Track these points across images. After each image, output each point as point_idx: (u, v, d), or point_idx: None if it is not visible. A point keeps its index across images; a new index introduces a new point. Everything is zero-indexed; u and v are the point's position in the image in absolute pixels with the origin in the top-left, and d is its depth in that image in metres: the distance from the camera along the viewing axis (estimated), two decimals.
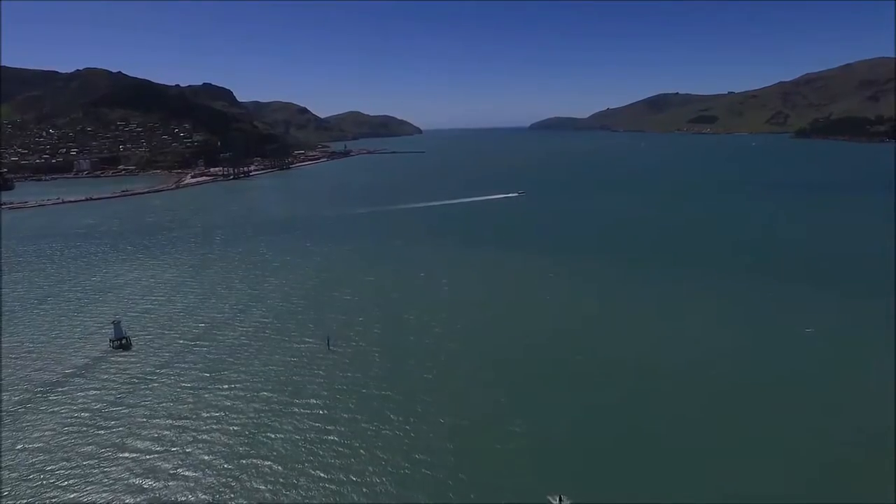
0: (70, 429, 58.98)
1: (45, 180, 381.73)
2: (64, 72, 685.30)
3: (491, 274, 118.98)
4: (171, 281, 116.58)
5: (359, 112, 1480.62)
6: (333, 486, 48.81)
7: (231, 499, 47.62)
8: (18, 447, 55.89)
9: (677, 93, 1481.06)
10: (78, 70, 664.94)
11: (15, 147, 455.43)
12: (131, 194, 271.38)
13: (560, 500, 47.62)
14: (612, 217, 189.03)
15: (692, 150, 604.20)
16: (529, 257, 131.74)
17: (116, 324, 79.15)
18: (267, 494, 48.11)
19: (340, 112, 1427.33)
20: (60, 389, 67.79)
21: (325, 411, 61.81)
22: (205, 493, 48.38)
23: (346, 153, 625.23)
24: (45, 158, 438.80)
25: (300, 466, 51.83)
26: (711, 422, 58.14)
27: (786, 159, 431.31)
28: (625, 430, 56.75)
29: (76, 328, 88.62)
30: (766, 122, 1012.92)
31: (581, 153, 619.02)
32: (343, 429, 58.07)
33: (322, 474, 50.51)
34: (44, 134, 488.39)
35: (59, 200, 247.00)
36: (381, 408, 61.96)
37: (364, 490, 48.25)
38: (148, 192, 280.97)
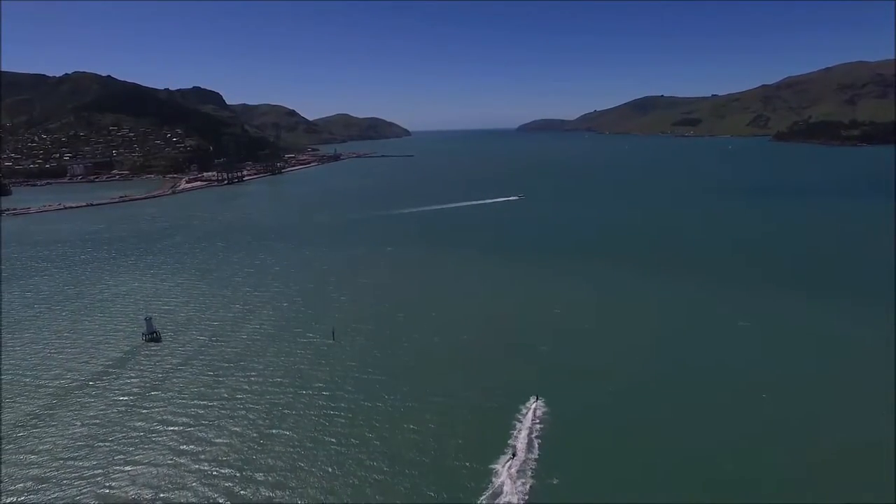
0: (119, 408, 69.74)
1: (40, 185, 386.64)
2: (52, 75, 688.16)
3: (497, 276, 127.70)
4: (183, 284, 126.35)
5: (347, 114, 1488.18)
6: (338, 453, 59.19)
7: (255, 466, 57.54)
8: (75, 425, 66.31)
9: (662, 95, 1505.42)
10: (67, 74, 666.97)
11: (8, 152, 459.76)
12: (130, 200, 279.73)
13: (537, 398, 64.48)
14: (610, 220, 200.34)
15: (673, 153, 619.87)
16: (531, 259, 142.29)
17: (148, 320, 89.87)
18: (285, 459, 58.42)
19: (329, 114, 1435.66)
20: (106, 376, 78.49)
21: (332, 392, 72.81)
22: (235, 460, 58.61)
23: (336, 157, 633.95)
24: (38, 163, 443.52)
25: (311, 437, 62.45)
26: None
27: (755, 164, 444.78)
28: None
29: (106, 325, 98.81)
30: (748, 124, 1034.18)
31: (572, 155, 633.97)
32: (346, 406, 69.11)
33: (329, 443, 61.13)
34: (36, 139, 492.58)
35: (61, 206, 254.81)
36: (379, 388, 73.14)
37: (362, 454, 58.77)
38: (146, 198, 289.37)
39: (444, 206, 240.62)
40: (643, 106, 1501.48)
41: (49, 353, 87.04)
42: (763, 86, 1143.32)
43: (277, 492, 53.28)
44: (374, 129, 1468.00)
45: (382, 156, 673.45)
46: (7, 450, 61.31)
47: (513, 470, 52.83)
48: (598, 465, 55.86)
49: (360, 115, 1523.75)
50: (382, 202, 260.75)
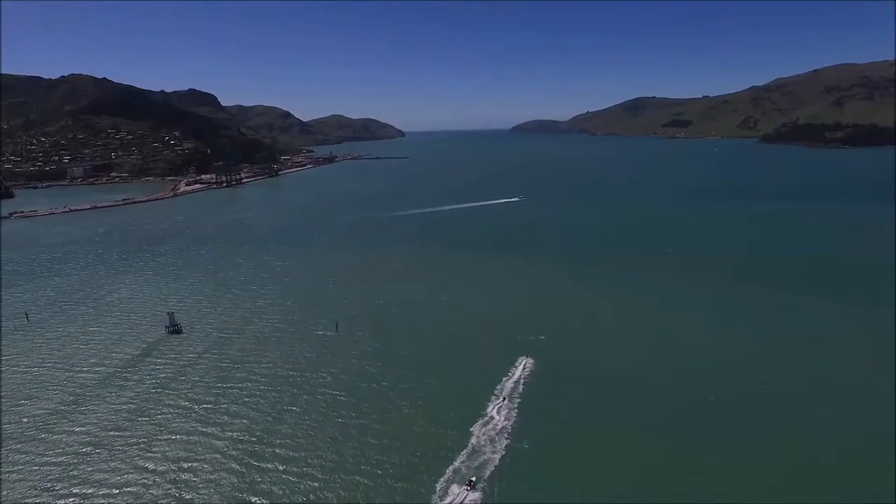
0: (152, 390, 79.83)
1: (41, 188, 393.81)
2: (48, 77, 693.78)
3: (496, 275, 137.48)
4: (193, 283, 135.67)
5: (341, 115, 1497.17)
6: (341, 427, 69.14)
7: (272, 437, 67.39)
8: (117, 404, 76.27)
9: (654, 97, 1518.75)
10: (63, 76, 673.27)
11: (7, 154, 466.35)
12: (133, 202, 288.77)
13: (527, 356, 78.37)
14: (608, 222, 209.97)
15: (661, 155, 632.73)
16: (532, 260, 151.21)
17: (171, 314, 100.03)
18: (297, 431, 68.41)
19: (323, 115, 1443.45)
20: (137, 363, 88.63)
21: (336, 376, 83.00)
22: (254, 432, 68.53)
23: (331, 159, 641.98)
24: (38, 166, 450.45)
25: (319, 414, 72.48)
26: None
27: (734, 167, 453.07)
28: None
29: (127, 320, 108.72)
30: (738, 126, 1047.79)
31: (568, 157, 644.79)
32: (349, 387, 79.32)
33: (334, 418, 71.20)
34: (35, 141, 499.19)
35: (67, 209, 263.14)
36: (378, 373, 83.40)
37: (363, 426, 68.72)
38: (148, 201, 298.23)
39: (445, 208, 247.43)
40: (635, 107, 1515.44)
41: (79, 345, 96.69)
42: (753, 87, 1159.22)
43: (291, 457, 62.95)
44: (368, 131, 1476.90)
45: (377, 158, 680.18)
46: (60, 424, 71.22)
47: (492, 432, 63.63)
48: (571, 432, 66.12)
49: (354, 116, 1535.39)
50: (381, 204, 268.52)
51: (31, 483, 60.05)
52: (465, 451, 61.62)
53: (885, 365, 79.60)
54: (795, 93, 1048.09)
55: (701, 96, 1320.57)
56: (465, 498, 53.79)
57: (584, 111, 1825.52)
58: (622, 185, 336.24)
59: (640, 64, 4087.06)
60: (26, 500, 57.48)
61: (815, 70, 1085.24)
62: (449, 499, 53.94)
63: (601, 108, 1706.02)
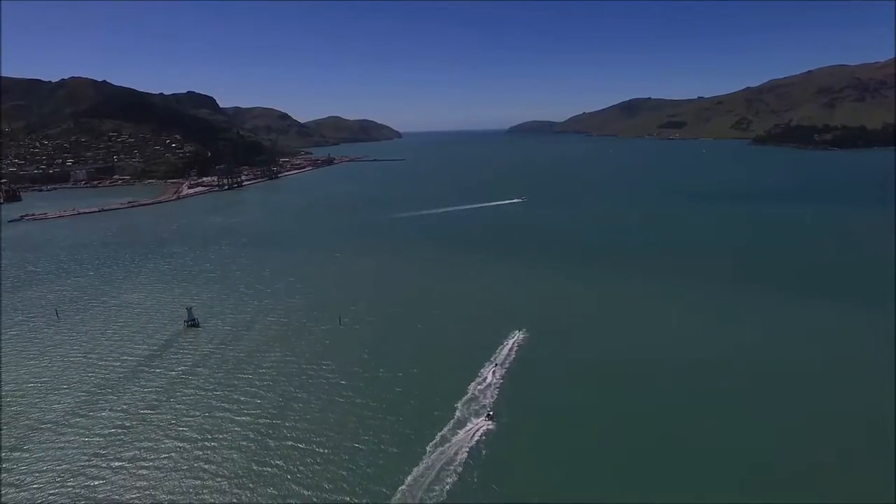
0: (176, 378, 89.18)
1: (45, 190, 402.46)
2: (47, 80, 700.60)
3: (494, 274, 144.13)
4: (205, 282, 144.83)
5: (339, 117, 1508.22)
6: (344, 409, 78.42)
7: (283, 417, 76.60)
8: (144, 391, 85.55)
9: (650, 98, 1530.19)
10: (63, 79, 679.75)
11: (10, 158, 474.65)
12: (139, 205, 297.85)
13: (519, 330, 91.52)
14: (608, 223, 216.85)
15: (653, 156, 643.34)
16: (531, 260, 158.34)
17: (189, 309, 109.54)
18: (305, 411, 77.72)
19: (320, 117, 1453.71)
20: (160, 355, 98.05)
21: (339, 365, 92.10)
22: (267, 413, 77.64)
23: (329, 161, 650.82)
24: (42, 169, 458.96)
25: (324, 398, 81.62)
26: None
27: (719, 168, 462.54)
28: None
29: (144, 316, 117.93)
30: (731, 127, 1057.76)
31: (566, 157, 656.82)
32: (351, 375, 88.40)
33: (337, 402, 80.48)
34: (38, 144, 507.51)
35: (76, 212, 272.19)
36: (377, 362, 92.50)
37: (362, 408, 77.76)
38: (153, 203, 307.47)
39: (446, 210, 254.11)
40: (631, 108, 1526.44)
41: (105, 338, 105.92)
42: (747, 88, 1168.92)
43: (300, 436, 71.86)
44: (365, 132, 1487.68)
45: (374, 160, 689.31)
46: (93, 410, 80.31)
47: (476, 407, 73.60)
48: (552, 414, 75.87)
49: (351, 118, 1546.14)
50: (381, 206, 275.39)
51: (69, 461, 67.81)
52: (449, 425, 71.23)
53: (884, 364, 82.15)
54: (789, 94, 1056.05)
55: (696, 97, 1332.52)
56: (482, 427, 65.43)
57: (581, 112, 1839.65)
58: (621, 186, 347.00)
59: (636, 65, 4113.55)
60: (65, 476, 65.04)
61: (809, 71, 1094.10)
62: (468, 426, 65.43)
63: (597, 109, 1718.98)
